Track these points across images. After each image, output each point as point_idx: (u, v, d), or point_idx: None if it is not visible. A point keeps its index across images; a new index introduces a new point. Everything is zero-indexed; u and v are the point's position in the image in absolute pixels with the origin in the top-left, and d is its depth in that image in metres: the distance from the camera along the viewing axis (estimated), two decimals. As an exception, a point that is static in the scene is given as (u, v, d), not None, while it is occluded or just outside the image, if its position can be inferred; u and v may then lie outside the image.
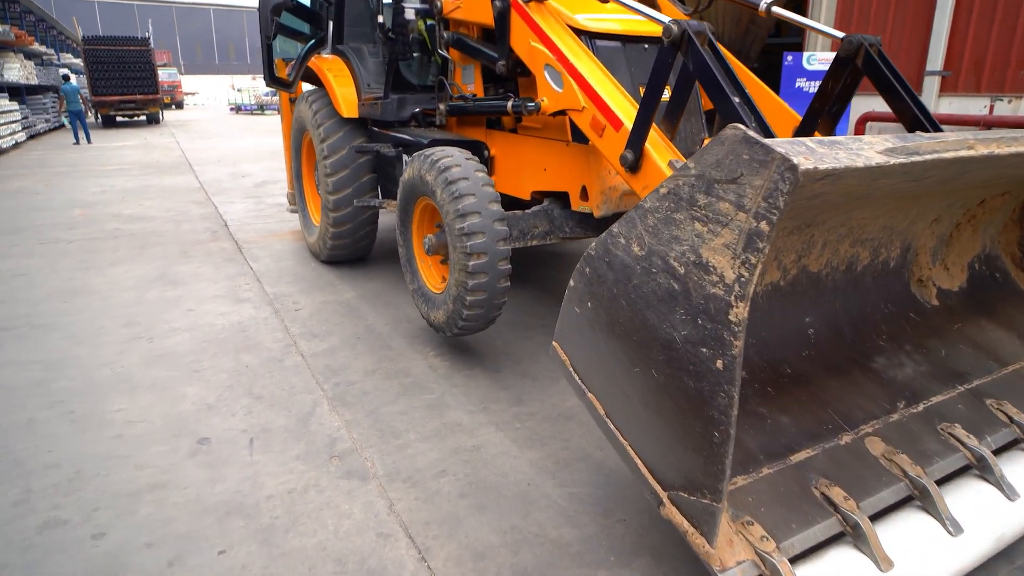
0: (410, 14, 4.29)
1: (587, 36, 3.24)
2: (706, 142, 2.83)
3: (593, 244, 1.84)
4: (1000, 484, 1.97)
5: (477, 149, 3.89)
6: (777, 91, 3.52)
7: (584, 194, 3.40)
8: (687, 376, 1.56)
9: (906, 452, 1.95)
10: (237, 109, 32.82)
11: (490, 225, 3.03)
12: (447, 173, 3.13)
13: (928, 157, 1.54)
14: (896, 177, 1.63)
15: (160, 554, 2.13)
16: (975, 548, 1.84)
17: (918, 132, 2.34)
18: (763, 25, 9.34)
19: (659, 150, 2.58)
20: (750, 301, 1.43)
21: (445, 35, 3.96)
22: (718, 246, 1.48)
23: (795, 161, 1.32)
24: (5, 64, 16.38)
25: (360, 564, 2.10)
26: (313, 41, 4.99)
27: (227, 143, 16.51)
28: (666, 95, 2.69)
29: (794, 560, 1.66)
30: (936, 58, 7.68)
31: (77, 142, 16.41)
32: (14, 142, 15.14)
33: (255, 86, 32.66)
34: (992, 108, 7.32)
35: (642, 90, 2.63)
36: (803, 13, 8.57)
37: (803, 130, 2.96)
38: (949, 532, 1.81)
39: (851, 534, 1.74)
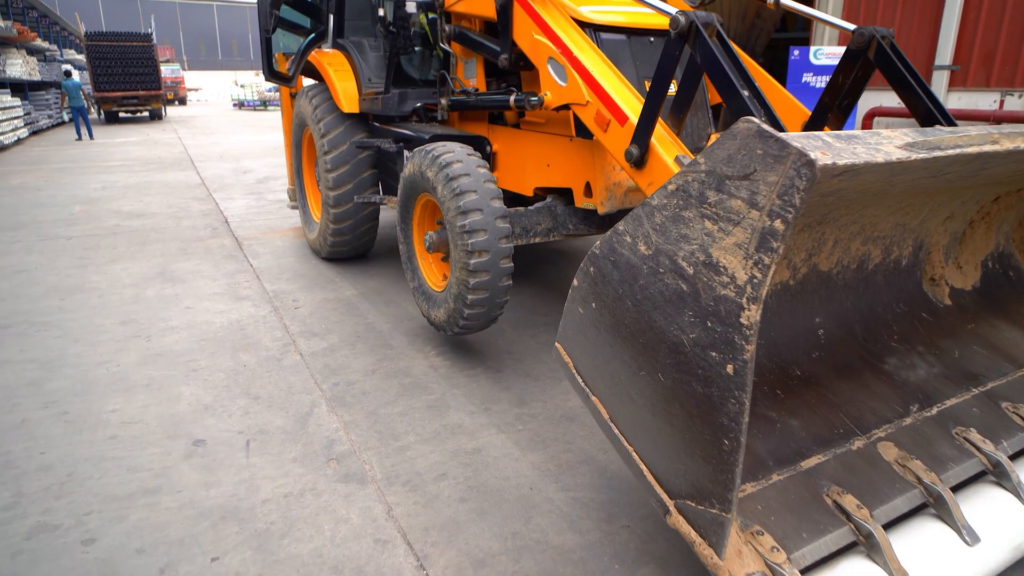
0: (411, 7, 4.23)
1: (591, 29, 3.18)
2: (713, 137, 2.75)
3: (598, 243, 1.78)
4: (1017, 491, 1.90)
5: (479, 144, 3.84)
6: (783, 87, 3.45)
7: (588, 190, 3.34)
8: (695, 381, 1.49)
9: (920, 457, 1.88)
10: (240, 105, 32.86)
11: (492, 222, 2.97)
12: (448, 169, 3.07)
13: (950, 152, 1.47)
14: (916, 173, 1.55)
15: (152, 561, 2.08)
16: (992, 558, 1.77)
17: (937, 126, 2.27)
18: (769, 19, 9.24)
19: (665, 145, 2.52)
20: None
21: (447, 28, 3.91)
22: (729, 245, 1.40)
23: (812, 156, 1.24)
24: (8, 60, 16.36)
25: (357, 572, 2.04)
26: (313, 35, 4.94)
27: (229, 139, 16.47)
28: (673, 89, 2.63)
29: (805, 572, 1.60)
30: (945, 52, 7.56)
31: (79, 138, 16.40)
32: (16, 138, 15.13)
33: (258, 82, 32.62)
34: (1002, 103, 7.20)
35: (648, 84, 2.56)
36: (810, 6, 8.47)
37: (812, 125, 2.89)
38: (965, 541, 1.75)
39: (864, 544, 1.68)
